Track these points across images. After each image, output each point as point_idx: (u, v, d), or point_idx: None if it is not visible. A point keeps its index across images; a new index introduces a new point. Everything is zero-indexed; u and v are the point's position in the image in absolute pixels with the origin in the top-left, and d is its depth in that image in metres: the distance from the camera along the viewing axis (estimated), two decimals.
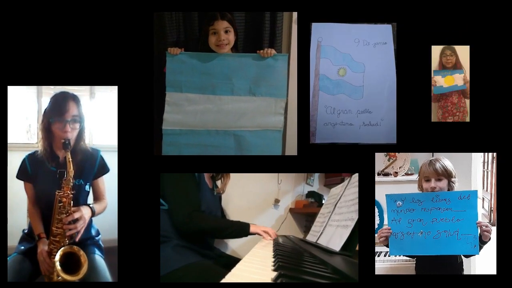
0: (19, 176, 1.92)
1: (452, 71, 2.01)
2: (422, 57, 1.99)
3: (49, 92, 1.96)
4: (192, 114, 1.65)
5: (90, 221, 1.97)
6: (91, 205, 1.92)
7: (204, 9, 1.67)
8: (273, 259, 1.49)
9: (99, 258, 1.93)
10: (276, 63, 1.64)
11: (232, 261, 1.91)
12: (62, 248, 1.82)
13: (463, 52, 1.99)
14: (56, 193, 1.84)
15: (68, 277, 1.79)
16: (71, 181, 1.83)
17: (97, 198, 1.99)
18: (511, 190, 1.95)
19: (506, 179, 1.95)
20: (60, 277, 1.80)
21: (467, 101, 2.00)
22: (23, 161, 1.91)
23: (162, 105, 1.66)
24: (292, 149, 1.68)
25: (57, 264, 1.78)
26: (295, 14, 1.65)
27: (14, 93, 1.96)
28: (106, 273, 1.89)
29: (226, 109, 1.65)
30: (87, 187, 1.94)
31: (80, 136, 1.91)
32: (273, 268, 1.31)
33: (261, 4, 1.64)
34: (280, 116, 1.68)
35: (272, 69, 1.63)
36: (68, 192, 1.83)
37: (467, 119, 2.00)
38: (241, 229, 2.12)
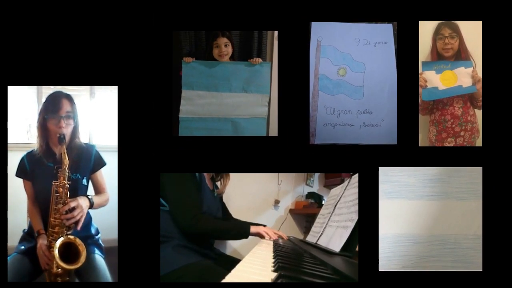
0: (18, 174, 1.94)
1: (454, 63, 1.42)
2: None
3: (49, 92, 1.97)
4: (201, 106, 2.11)
5: (90, 220, 1.99)
6: (89, 196, 1.94)
7: (210, 29, 2.10)
8: (273, 260, 1.49)
9: (99, 258, 1.93)
10: (262, 68, 2.13)
11: (232, 262, 1.91)
12: (60, 239, 1.85)
13: (472, 32, 1.32)
14: (53, 183, 1.88)
15: (66, 266, 1.81)
16: (67, 171, 1.88)
17: (98, 192, 2.02)
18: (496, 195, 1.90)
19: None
20: (59, 269, 1.82)
21: (479, 113, 1.45)
22: (22, 159, 1.94)
23: (179, 100, 2.10)
24: (273, 131, 2.08)
25: (56, 251, 1.81)
26: (276, 33, 2.11)
27: (14, 93, 1.97)
28: (106, 273, 1.90)
29: (225, 102, 2.13)
30: (84, 181, 1.96)
31: (74, 132, 1.95)
32: (273, 269, 1.31)
33: (253, 23, 2.03)
34: (265, 107, 2.15)
35: (259, 73, 2.14)
36: (64, 182, 1.87)
37: (478, 142, 1.52)
38: (242, 232, 2.18)
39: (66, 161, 1.87)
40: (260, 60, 2.15)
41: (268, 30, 2.17)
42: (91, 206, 1.94)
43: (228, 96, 2.13)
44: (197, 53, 2.22)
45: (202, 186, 2.18)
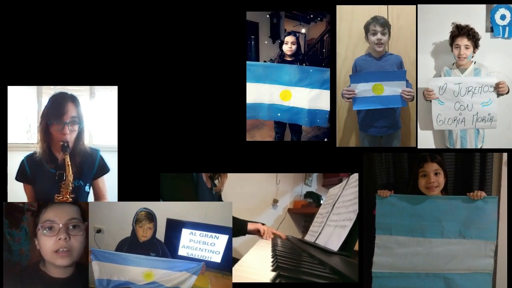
0: (18, 177, 1.92)
1: None
2: None
3: (49, 92, 1.96)
4: (402, 256, 1.70)
5: None
6: None
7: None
8: (271, 259, 1.50)
9: None
10: (486, 205, 1.66)
11: None
12: None
13: None
14: (55, 197, 1.85)
15: None
16: (70, 185, 1.85)
17: (97, 198, 1.99)
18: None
19: None
20: None
21: None
22: (22, 163, 1.92)
23: (372, 248, 1.73)
24: None
25: None
26: (505, 155, 1.67)
27: (14, 93, 1.97)
28: None
29: (435, 252, 1.69)
30: (86, 187, 1.94)
31: (79, 137, 1.91)
32: (271, 268, 1.32)
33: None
34: (490, 259, 1.70)
35: (482, 212, 1.66)
36: (67, 196, 1.85)
37: None
38: (239, 228, 2.19)
39: (70, 174, 1.84)
40: (484, 194, 1.69)
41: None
42: None
43: (439, 244, 1.70)
44: (396, 184, 1.80)
45: (200, 185, 2.18)
